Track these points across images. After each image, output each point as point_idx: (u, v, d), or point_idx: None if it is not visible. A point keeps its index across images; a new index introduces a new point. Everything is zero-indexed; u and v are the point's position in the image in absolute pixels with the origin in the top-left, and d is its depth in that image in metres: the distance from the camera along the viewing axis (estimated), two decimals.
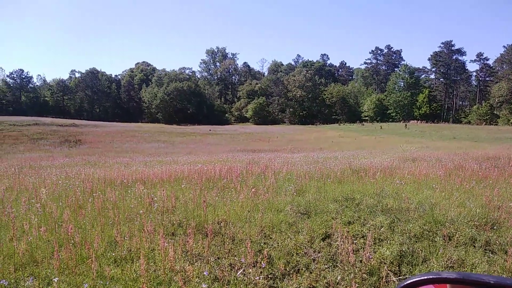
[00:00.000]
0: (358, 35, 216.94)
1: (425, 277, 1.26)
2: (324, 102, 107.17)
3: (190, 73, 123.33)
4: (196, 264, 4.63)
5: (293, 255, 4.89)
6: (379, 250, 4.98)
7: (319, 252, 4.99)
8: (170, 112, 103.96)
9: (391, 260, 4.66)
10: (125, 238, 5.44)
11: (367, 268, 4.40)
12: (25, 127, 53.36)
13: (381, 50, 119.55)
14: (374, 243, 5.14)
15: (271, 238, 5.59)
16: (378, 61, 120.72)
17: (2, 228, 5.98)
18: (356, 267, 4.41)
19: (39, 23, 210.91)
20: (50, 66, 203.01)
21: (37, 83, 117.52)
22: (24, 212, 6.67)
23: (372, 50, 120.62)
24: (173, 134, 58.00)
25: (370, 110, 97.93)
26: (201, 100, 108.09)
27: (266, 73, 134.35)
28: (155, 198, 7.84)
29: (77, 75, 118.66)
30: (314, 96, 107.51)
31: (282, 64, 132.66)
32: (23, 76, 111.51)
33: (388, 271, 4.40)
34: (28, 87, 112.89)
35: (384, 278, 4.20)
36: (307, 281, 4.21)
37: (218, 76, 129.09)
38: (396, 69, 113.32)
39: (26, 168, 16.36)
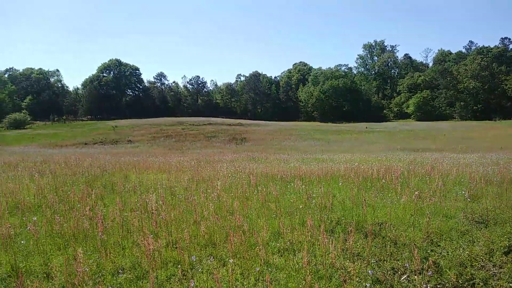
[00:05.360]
0: None
1: None
2: (505, 93, 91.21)
3: (346, 70, 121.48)
4: (356, 263, 4.61)
5: (466, 266, 4.39)
6: None
7: (500, 267, 4.34)
8: (325, 110, 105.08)
9: None
10: (287, 230, 5.80)
11: None
12: (201, 127, 61.96)
13: None
14: None
15: (439, 245, 5.15)
16: None
17: (188, 212, 7.11)
18: None
19: (208, 38, 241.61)
20: (220, 72, 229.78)
21: (210, 87, 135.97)
22: (203, 200, 7.80)
23: None
24: (328, 132, 58.34)
25: None
26: (357, 96, 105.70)
27: (430, 64, 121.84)
28: (313, 195, 8.09)
29: (242, 78, 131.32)
30: (491, 87, 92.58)
31: (450, 53, 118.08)
32: (199, 82, 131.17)
33: None
34: (203, 91, 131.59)
35: None
36: None
37: (376, 70, 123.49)
38: None
39: (203, 162, 18.94)
